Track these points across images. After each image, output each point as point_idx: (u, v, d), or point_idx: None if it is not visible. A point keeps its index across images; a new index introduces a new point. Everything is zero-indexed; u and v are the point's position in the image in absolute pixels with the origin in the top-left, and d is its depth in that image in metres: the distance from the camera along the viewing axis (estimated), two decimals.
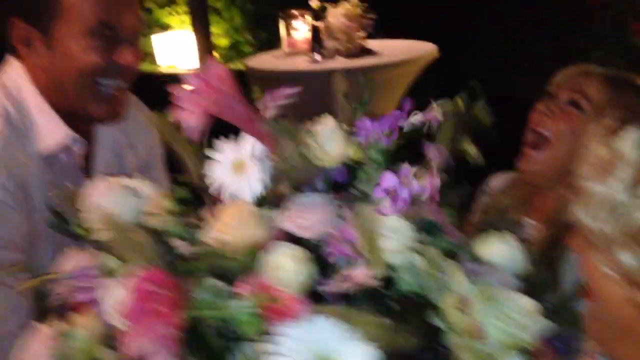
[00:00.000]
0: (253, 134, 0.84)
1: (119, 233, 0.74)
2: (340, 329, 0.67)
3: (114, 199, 0.82)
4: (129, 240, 0.73)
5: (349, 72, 2.65)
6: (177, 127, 0.82)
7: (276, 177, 0.87)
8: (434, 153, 0.85)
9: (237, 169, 0.84)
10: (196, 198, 0.91)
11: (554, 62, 1.38)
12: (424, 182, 0.82)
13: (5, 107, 1.14)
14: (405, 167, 0.82)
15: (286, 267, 0.76)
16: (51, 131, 1.16)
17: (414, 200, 0.82)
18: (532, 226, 1.22)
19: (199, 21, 4.22)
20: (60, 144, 1.18)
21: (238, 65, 4.59)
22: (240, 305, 0.72)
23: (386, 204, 0.81)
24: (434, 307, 0.76)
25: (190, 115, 0.79)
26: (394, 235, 0.76)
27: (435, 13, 3.59)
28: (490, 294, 0.70)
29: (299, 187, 0.87)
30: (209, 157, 0.87)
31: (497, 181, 1.37)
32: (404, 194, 0.80)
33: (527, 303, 0.70)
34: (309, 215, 0.82)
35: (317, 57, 2.89)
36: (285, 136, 0.85)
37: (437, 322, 0.72)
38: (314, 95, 3.04)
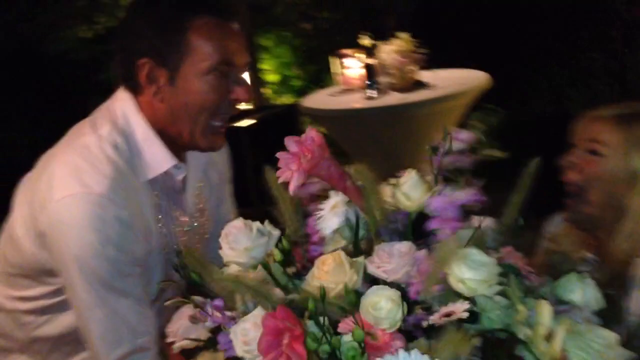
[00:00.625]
0: (344, 191, 0.97)
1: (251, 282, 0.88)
2: None
3: (251, 238, 0.95)
4: (258, 285, 0.88)
5: (403, 107, 2.76)
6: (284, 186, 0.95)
7: (363, 225, 0.99)
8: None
9: (334, 207, 1.00)
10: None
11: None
12: (466, 191, 0.93)
13: (114, 139, 1.23)
14: (443, 187, 0.94)
15: (382, 307, 0.87)
16: (157, 159, 1.25)
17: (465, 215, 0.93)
18: (594, 262, 1.30)
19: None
20: (163, 171, 1.29)
21: (290, 99, 4.79)
22: (346, 341, 0.83)
23: (445, 231, 0.91)
24: (518, 341, 0.84)
25: (294, 175, 0.91)
26: (482, 267, 0.85)
27: (487, 41, 3.67)
28: (575, 327, 0.78)
29: (380, 233, 0.99)
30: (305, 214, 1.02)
31: (554, 225, 1.45)
32: (453, 211, 0.91)
33: (608, 335, 0.78)
34: (391, 260, 0.92)
35: (372, 93, 2.99)
36: (372, 188, 0.97)
37: (523, 353, 0.81)
38: (370, 131, 3.16)
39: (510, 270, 0.93)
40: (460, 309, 0.83)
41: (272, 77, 4.93)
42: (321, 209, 1.00)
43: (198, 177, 1.39)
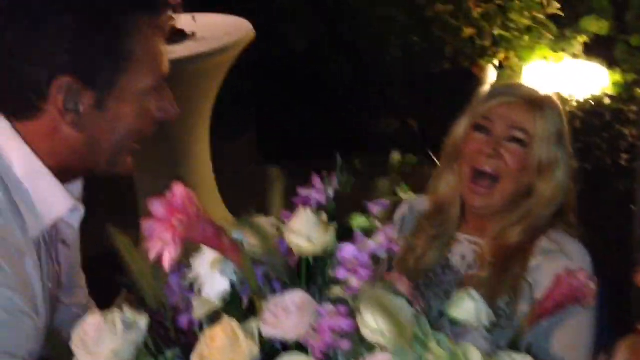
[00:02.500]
0: (220, 250, 0.81)
1: None
2: None
3: (116, 338, 0.74)
4: None
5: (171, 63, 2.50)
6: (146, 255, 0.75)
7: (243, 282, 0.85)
8: (376, 208, 0.89)
9: (213, 265, 0.84)
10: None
11: None
12: (378, 239, 0.86)
13: None
14: (358, 233, 0.85)
15: None
16: (48, 204, 0.91)
17: (374, 261, 0.86)
18: (481, 245, 1.33)
19: None
20: (58, 218, 0.95)
21: None
22: None
23: (353, 281, 0.83)
24: None
25: (169, 248, 0.72)
26: (402, 313, 0.79)
27: None
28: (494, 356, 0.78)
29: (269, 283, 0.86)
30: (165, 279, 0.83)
31: (415, 209, 1.42)
32: (365, 259, 0.84)
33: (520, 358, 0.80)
34: (289, 316, 0.81)
35: None
36: (257, 234, 0.83)
37: None
38: None
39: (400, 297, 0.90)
40: None
41: None
42: (190, 268, 0.83)
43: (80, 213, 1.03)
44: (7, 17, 0.87)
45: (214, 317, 0.88)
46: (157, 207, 0.73)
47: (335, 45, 4.21)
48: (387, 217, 0.99)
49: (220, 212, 2.90)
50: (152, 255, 0.73)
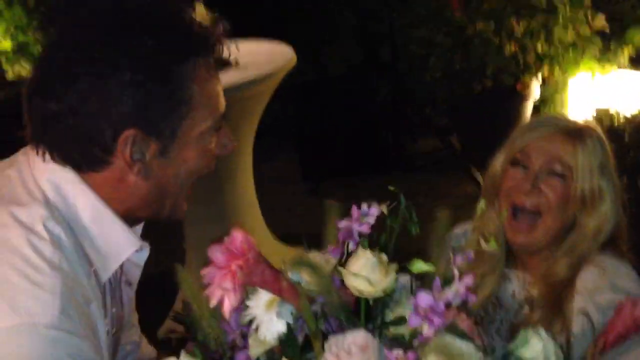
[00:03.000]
0: (279, 293, 0.79)
1: None
2: None
3: None
4: None
5: None
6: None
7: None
8: (459, 259, 0.87)
9: (269, 305, 0.83)
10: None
11: None
12: (456, 288, 0.84)
13: (52, 230, 0.87)
14: (436, 282, 0.83)
15: None
16: (116, 247, 0.92)
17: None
18: (529, 283, 1.29)
19: None
20: (125, 259, 0.95)
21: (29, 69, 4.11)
22: None
23: (425, 328, 0.81)
24: None
25: (229, 295, 0.71)
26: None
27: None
28: None
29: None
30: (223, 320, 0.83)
31: (458, 238, 1.39)
32: (440, 308, 0.81)
33: None
34: (351, 357, 0.79)
35: None
36: (314, 273, 0.82)
37: None
38: None
39: (462, 336, 0.86)
40: None
41: (4, 44, 4.16)
42: (248, 308, 0.82)
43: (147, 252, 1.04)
44: (69, 76, 0.89)
45: (271, 358, 0.87)
46: (216, 254, 0.73)
47: (375, 68, 4.21)
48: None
49: (262, 235, 2.90)
50: (214, 302, 0.73)
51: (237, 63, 2.70)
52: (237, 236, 0.74)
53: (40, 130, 0.91)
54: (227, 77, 2.53)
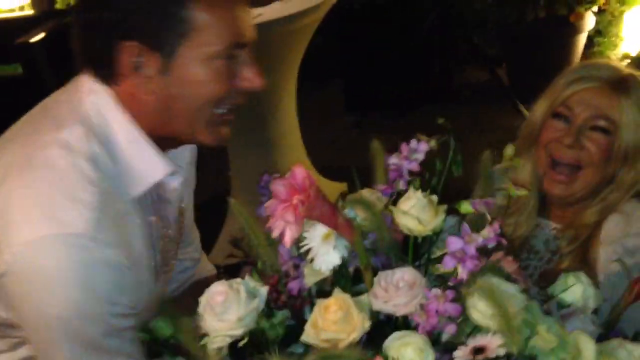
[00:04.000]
0: (335, 228, 0.84)
1: None
2: None
3: (242, 304, 0.81)
4: None
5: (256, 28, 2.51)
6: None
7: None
8: (482, 206, 0.90)
9: (325, 238, 0.87)
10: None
11: None
12: (486, 233, 0.87)
13: (92, 150, 0.93)
14: (465, 226, 0.86)
15: (408, 357, 0.80)
16: (149, 168, 0.97)
17: (482, 253, 0.87)
18: (559, 231, 1.31)
19: None
20: (157, 181, 1.01)
21: None
22: None
23: (459, 270, 0.84)
24: None
25: (290, 227, 0.76)
26: (513, 300, 0.80)
27: None
28: (606, 348, 0.79)
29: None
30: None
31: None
32: (472, 251, 0.84)
33: (637, 349, 0.80)
34: (399, 292, 0.84)
35: None
36: (368, 211, 0.86)
37: None
38: None
39: (506, 277, 0.90)
40: (493, 344, 0.79)
41: None
42: (305, 240, 0.87)
43: (181, 176, 1.09)
44: None
45: (321, 287, 0.93)
46: (279, 188, 0.77)
47: None
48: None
49: (307, 165, 2.95)
50: (276, 233, 0.78)
51: None
52: (299, 172, 0.77)
53: (77, 44, 0.98)
54: (272, 11, 2.52)
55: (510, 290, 0.80)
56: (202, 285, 0.90)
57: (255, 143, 2.75)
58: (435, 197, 0.87)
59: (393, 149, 0.98)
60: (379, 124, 3.83)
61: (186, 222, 1.20)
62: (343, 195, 0.96)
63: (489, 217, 0.89)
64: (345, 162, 0.96)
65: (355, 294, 0.88)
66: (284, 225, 0.77)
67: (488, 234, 0.86)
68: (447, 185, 0.97)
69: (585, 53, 4.01)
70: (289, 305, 0.91)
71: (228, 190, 2.79)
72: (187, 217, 1.22)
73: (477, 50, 4.13)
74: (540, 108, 1.30)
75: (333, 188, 2.76)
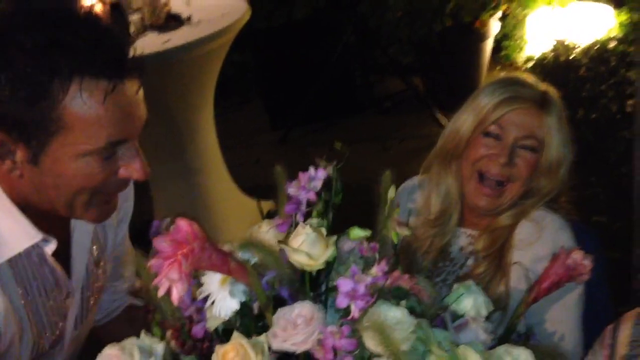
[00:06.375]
0: (228, 273, 0.85)
1: None
2: None
3: None
4: None
5: (170, 53, 2.50)
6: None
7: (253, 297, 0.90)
8: (375, 249, 0.94)
9: (222, 283, 0.88)
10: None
11: None
12: (375, 272, 0.90)
13: None
14: (353, 268, 0.89)
15: None
16: (11, 236, 0.97)
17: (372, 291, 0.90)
18: (475, 237, 1.36)
19: None
20: (24, 248, 1.00)
21: None
22: None
23: (352, 308, 0.87)
24: None
25: (177, 285, 0.77)
26: (400, 326, 0.84)
27: None
28: (491, 356, 0.83)
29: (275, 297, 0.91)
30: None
31: (409, 195, 1.45)
32: (362, 290, 0.87)
33: (522, 353, 0.84)
34: (297, 329, 0.86)
35: None
36: (262, 252, 0.87)
37: None
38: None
39: (403, 295, 0.94)
40: None
41: None
42: (202, 286, 0.88)
43: (86, 242, 1.10)
44: None
45: (227, 326, 0.93)
46: (162, 244, 0.77)
47: (338, 9, 4.16)
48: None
49: (228, 190, 2.94)
50: (161, 292, 0.78)
51: (189, 19, 2.67)
52: (182, 225, 0.78)
53: None
54: (181, 35, 2.52)
55: (398, 316, 0.83)
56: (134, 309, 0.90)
57: (176, 170, 2.73)
58: (323, 230, 0.90)
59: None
60: (304, 139, 3.88)
61: (108, 267, 1.22)
62: (270, 214, 0.97)
63: (376, 256, 0.93)
64: (271, 180, 0.98)
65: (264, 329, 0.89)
66: (170, 283, 0.77)
67: (377, 273, 0.89)
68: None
69: (494, 57, 4.18)
70: (197, 349, 0.91)
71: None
72: (108, 264, 1.23)
73: (394, 61, 4.24)
74: (466, 124, 1.35)
75: (259, 207, 2.77)
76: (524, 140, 1.31)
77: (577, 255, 1.06)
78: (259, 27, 3.81)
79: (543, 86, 1.36)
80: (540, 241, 1.28)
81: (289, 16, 4.24)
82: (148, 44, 2.48)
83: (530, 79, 1.39)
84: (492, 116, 1.31)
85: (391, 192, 1.00)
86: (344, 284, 0.84)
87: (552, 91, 1.36)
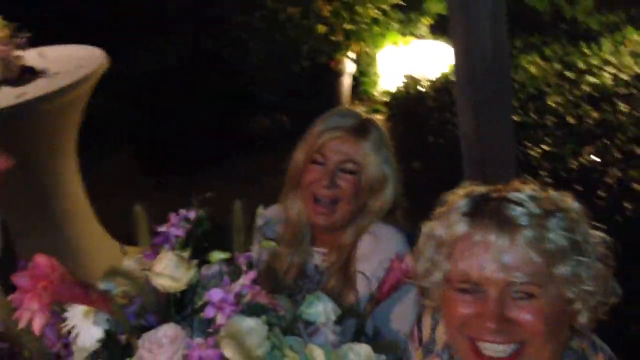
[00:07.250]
0: (90, 304, 0.90)
1: None
2: None
3: None
4: None
5: (25, 105, 2.46)
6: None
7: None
8: (243, 260, 1.04)
9: (85, 314, 0.93)
10: None
11: None
12: (242, 282, 1.00)
13: None
14: (226, 278, 0.99)
15: None
16: None
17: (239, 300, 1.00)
18: (326, 255, 1.50)
19: None
20: None
21: None
22: None
23: (219, 317, 0.96)
24: None
25: (37, 316, 0.81)
26: (254, 333, 0.93)
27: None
28: (338, 353, 0.94)
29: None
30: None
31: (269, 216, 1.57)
32: (231, 299, 0.97)
33: (363, 349, 0.96)
34: (162, 349, 0.92)
35: None
36: (126, 280, 0.93)
37: None
38: None
39: (261, 311, 1.03)
40: None
41: None
42: (66, 319, 0.92)
43: None
44: None
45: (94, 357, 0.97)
46: (21, 279, 0.82)
47: (202, 55, 4.28)
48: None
49: (99, 239, 2.89)
50: (22, 324, 0.82)
51: (44, 71, 2.65)
52: (41, 261, 0.83)
53: None
54: (35, 88, 2.49)
55: (252, 324, 0.93)
56: None
57: (42, 224, 2.64)
58: (185, 254, 0.98)
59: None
60: (177, 184, 3.89)
61: None
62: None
63: (243, 267, 1.03)
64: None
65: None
66: (30, 314, 0.82)
67: (244, 282, 0.99)
68: None
69: (355, 92, 4.49)
70: None
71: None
72: None
73: (259, 102, 4.41)
74: (300, 155, 1.51)
75: (123, 251, 2.76)
76: (343, 164, 1.48)
77: (410, 260, 1.22)
78: (128, 73, 3.83)
79: (365, 115, 1.56)
80: (378, 250, 1.45)
81: (159, 63, 4.29)
82: (2, 98, 2.44)
83: (355, 110, 1.58)
84: (316, 145, 1.49)
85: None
86: (215, 294, 0.92)
87: (373, 120, 1.56)
